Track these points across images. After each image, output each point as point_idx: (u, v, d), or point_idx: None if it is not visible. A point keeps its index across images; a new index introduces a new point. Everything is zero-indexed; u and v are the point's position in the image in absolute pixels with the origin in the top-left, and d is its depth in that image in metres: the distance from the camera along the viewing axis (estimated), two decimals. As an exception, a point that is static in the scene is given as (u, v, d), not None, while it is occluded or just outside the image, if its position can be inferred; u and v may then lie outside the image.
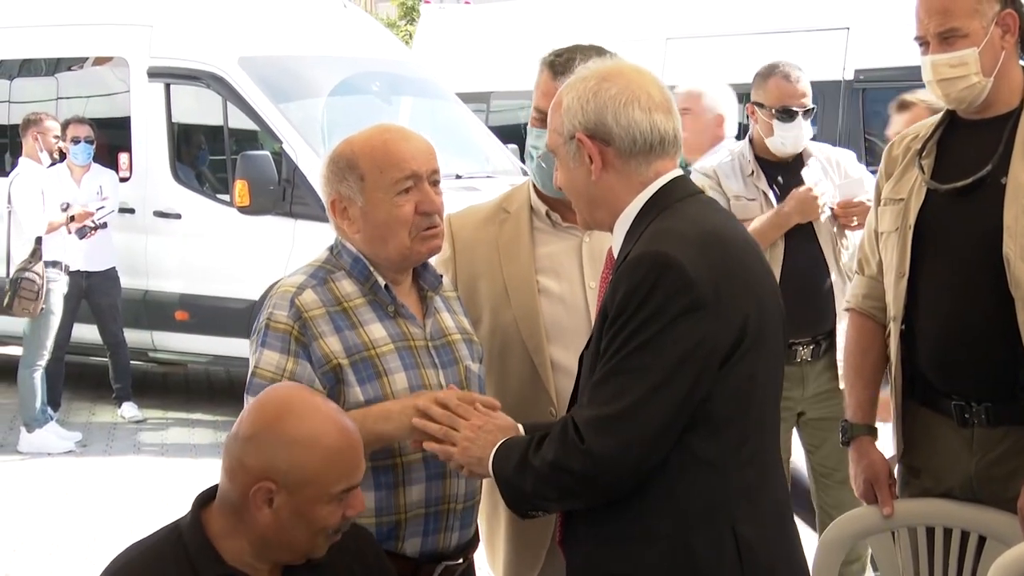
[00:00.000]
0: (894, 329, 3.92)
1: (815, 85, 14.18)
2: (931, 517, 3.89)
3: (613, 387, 2.78)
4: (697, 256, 2.80)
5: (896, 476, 3.98)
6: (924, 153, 3.91)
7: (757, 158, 5.45)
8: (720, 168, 5.46)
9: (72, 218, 10.18)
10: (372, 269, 3.33)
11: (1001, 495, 3.74)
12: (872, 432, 4.01)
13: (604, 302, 2.88)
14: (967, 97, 3.78)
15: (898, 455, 3.99)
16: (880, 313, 4.04)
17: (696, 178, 5.47)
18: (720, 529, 2.86)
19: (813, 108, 5.38)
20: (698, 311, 2.77)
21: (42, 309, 9.77)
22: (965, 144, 3.86)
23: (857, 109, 12.67)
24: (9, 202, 10.07)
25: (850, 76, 12.98)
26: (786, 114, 5.33)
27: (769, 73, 5.44)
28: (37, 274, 9.71)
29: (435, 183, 3.34)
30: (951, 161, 3.87)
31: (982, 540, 3.80)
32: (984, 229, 3.70)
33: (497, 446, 3.02)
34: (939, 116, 3.97)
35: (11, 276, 9.76)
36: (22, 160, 10.26)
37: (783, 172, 5.42)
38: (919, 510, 3.91)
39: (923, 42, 3.81)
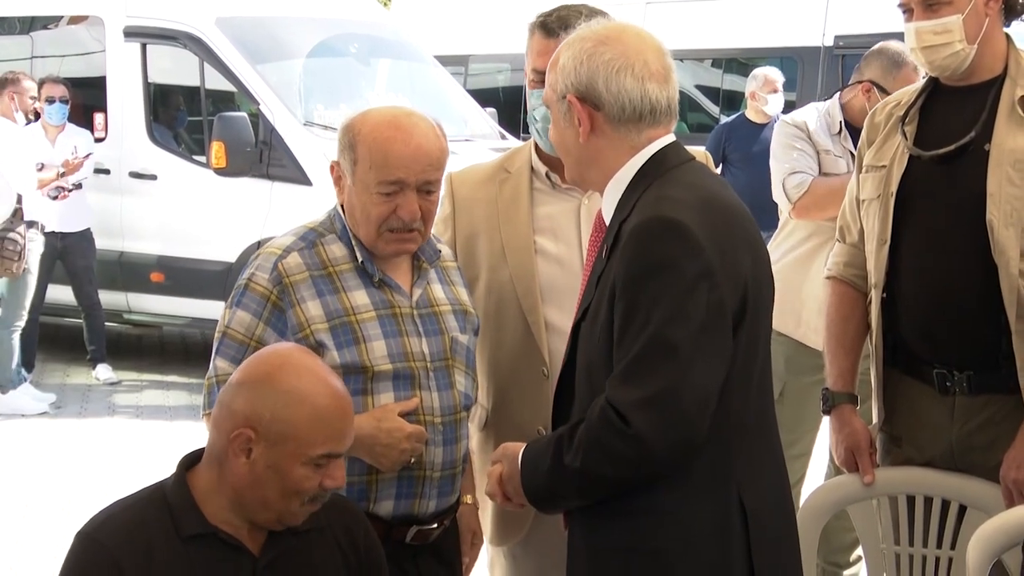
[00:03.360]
0: (875, 297, 3.90)
1: (794, 51, 14.29)
2: (912, 485, 3.88)
3: (648, 365, 2.71)
4: (700, 220, 2.77)
5: (877, 445, 3.98)
6: (907, 120, 3.89)
7: (845, 121, 5.43)
8: (810, 122, 5.44)
9: (62, 174, 10.09)
10: (354, 241, 3.34)
11: (982, 464, 3.74)
12: (853, 400, 3.99)
13: (612, 274, 2.82)
14: (951, 64, 3.76)
15: (879, 423, 3.98)
16: (861, 281, 4.02)
17: (786, 128, 5.50)
18: (727, 500, 2.85)
19: None
20: (712, 276, 2.74)
21: (24, 269, 9.74)
22: (948, 111, 3.84)
23: (836, 75, 12.65)
24: None
25: (829, 42, 12.98)
26: None
27: (900, 63, 5.30)
28: (20, 234, 9.67)
29: (428, 192, 3.30)
30: (934, 128, 3.85)
31: (963, 509, 3.80)
32: (967, 196, 3.69)
33: (520, 458, 2.98)
34: (923, 82, 3.95)
35: None
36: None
37: None
38: (900, 478, 3.91)
39: (906, 9, 3.79)
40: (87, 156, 10.37)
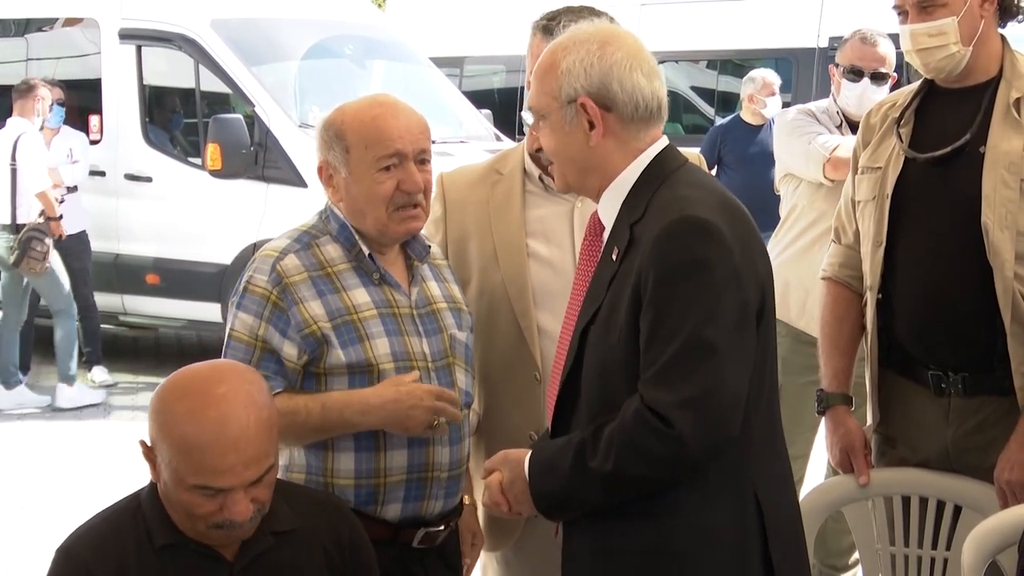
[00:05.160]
0: (871, 298, 3.91)
1: (789, 52, 14.27)
2: (907, 486, 3.88)
3: (687, 365, 2.70)
4: (723, 221, 2.77)
5: (872, 446, 3.98)
6: (902, 122, 3.89)
7: (844, 115, 5.48)
8: (815, 112, 5.52)
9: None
10: (357, 237, 3.33)
11: (978, 465, 3.74)
12: (848, 401, 4.00)
13: (631, 276, 2.78)
14: (946, 67, 3.77)
15: (874, 425, 3.98)
16: (856, 282, 4.02)
17: (790, 115, 5.58)
18: (744, 496, 2.84)
19: (886, 74, 5.33)
20: (739, 276, 2.74)
21: (47, 268, 9.93)
22: (943, 113, 3.84)
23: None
24: (14, 159, 10.05)
25: (824, 43, 12.98)
26: (854, 74, 5.32)
27: (850, 36, 5.42)
28: (45, 234, 9.90)
29: (423, 162, 3.31)
30: (929, 130, 3.85)
31: (958, 510, 3.80)
32: (962, 198, 3.69)
33: (528, 464, 2.95)
34: (918, 84, 3.95)
35: (21, 236, 9.87)
36: (16, 120, 10.19)
37: None
38: (895, 479, 3.91)
39: (901, 11, 3.79)
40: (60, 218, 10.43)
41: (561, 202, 3.68)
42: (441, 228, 3.77)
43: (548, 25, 3.62)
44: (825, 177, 5.28)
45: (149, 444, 2.83)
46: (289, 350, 3.23)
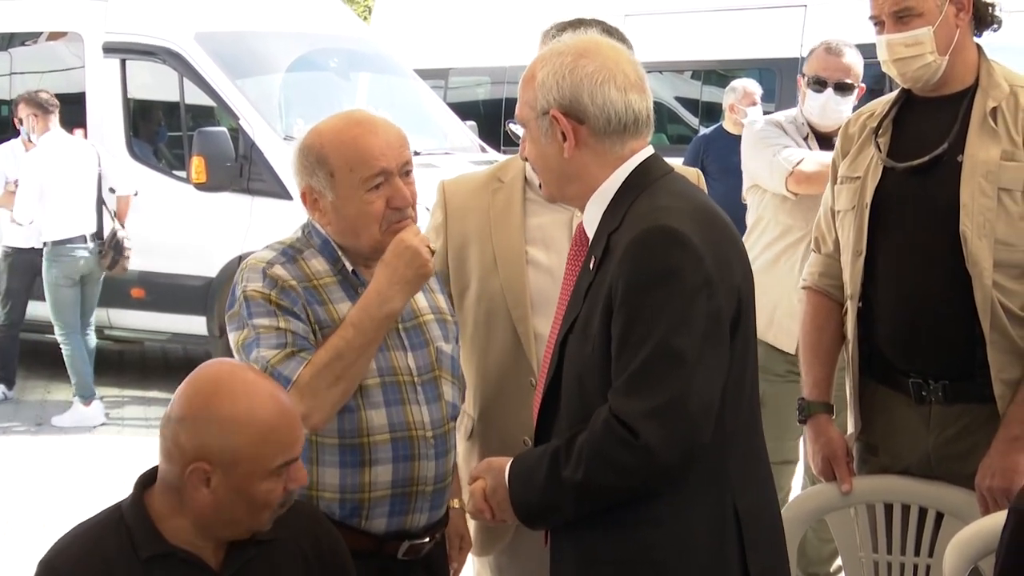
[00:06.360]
0: (851, 307, 3.93)
1: (772, 62, 14.26)
2: (889, 494, 3.90)
3: (655, 374, 2.71)
4: (697, 230, 2.78)
5: (854, 454, 4.00)
6: (880, 131, 3.91)
7: (810, 126, 5.49)
8: (783, 123, 5.53)
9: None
10: (340, 254, 3.32)
11: (959, 472, 3.76)
12: (829, 409, 4.01)
13: (606, 285, 2.80)
14: (923, 76, 3.79)
15: (856, 433, 4.00)
16: (836, 291, 4.04)
17: (756, 126, 5.59)
18: (722, 506, 2.85)
19: (851, 85, 5.34)
20: (711, 284, 2.75)
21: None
22: (921, 122, 3.87)
23: (814, 86, 12.68)
24: (101, 164, 10.20)
25: (807, 53, 13.01)
26: (818, 84, 5.33)
27: (817, 46, 5.46)
28: (125, 235, 10.15)
29: (407, 173, 3.30)
30: (907, 139, 3.87)
31: (940, 516, 3.83)
32: (941, 207, 3.71)
33: (508, 472, 2.96)
34: (895, 93, 3.98)
35: (108, 239, 10.05)
36: (60, 133, 10.23)
37: (829, 146, 5.47)
38: (877, 487, 3.93)
39: (877, 21, 3.82)
40: None
41: (561, 210, 3.69)
42: (442, 235, 3.79)
43: (557, 35, 3.63)
44: (788, 190, 5.29)
45: (207, 465, 2.79)
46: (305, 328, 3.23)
